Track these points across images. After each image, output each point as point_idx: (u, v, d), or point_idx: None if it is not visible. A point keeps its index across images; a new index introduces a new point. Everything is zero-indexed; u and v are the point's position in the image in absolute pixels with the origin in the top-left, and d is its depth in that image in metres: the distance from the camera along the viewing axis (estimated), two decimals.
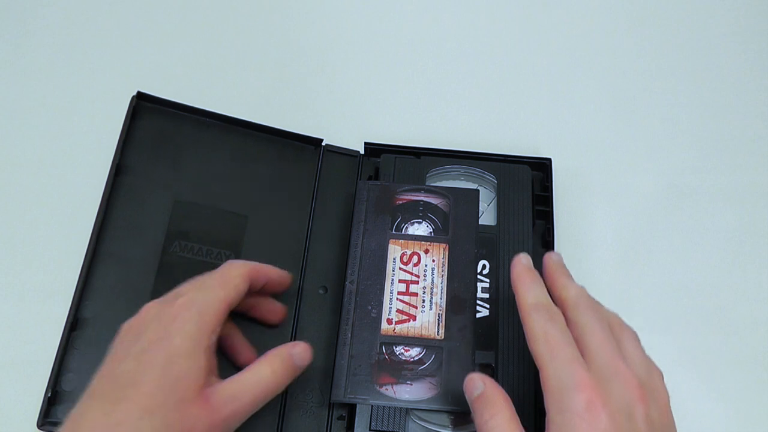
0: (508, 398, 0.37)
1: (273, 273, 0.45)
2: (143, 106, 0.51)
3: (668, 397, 0.37)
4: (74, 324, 0.45)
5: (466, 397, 0.39)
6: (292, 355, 0.41)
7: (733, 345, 0.50)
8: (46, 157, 0.54)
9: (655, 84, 0.59)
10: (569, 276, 0.40)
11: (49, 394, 0.43)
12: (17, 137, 0.54)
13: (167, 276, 0.47)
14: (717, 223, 0.54)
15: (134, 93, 0.51)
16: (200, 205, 0.50)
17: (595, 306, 0.39)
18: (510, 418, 0.36)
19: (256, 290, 0.44)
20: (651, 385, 0.36)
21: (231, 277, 0.41)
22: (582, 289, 0.39)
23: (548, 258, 0.41)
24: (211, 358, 0.38)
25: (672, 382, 0.44)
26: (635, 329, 0.49)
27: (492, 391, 0.37)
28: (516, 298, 0.39)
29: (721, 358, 0.49)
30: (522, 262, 0.40)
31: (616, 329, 0.38)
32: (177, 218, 0.49)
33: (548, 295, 0.39)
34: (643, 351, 0.38)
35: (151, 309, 0.40)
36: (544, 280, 0.40)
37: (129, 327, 0.39)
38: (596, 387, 0.33)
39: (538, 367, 0.36)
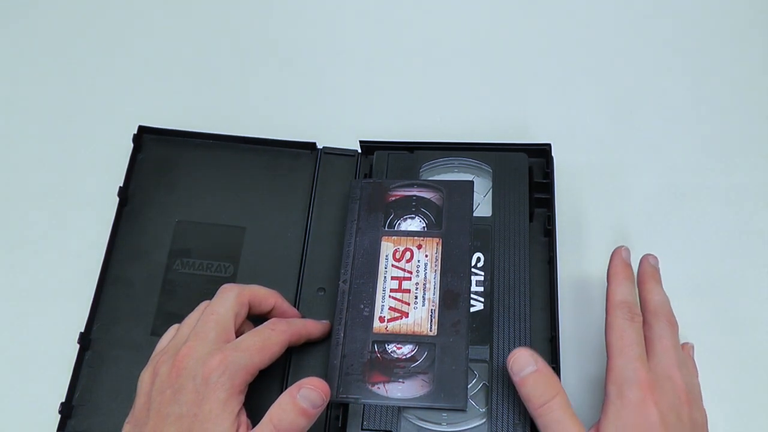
0: None
1: (313, 329, 0.46)
2: (144, 138, 0.54)
3: (706, 416, 0.42)
4: (86, 344, 0.48)
5: (513, 373, 0.40)
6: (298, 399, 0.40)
7: (733, 345, 0.49)
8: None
9: (655, 83, 0.58)
10: (659, 282, 0.45)
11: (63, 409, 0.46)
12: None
13: (170, 293, 0.50)
14: (717, 223, 0.52)
15: (129, 121, 0.54)
16: (200, 222, 0.52)
17: (671, 318, 0.43)
18: (567, 399, 0.40)
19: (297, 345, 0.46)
20: (695, 394, 0.41)
21: (271, 345, 0.42)
22: (666, 298, 0.44)
23: (645, 261, 0.46)
24: (239, 414, 0.39)
25: None
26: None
27: (548, 369, 0.40)
28: (607, 290, 0.43)
29: (721, 358, 0.48)
30: (622, 255, 0.45)
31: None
32: (179, 237, 0.51)
33: (636, 296, 0.43)
34: (691, 372, 0.43)
35: (187, 357, 0.40)
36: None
37: (168, 376, 0.40)
38: (652, 386, 0.39)
39: (607, 355, 0.41)
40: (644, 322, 0.43)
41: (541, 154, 0.50)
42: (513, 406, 0.42)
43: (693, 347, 0.46)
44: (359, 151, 0.53)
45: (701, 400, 0.42)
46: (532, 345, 0.43)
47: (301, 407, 0.39)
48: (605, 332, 0.42)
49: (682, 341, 0.46)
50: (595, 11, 0.61)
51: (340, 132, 0.55)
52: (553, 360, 0.44)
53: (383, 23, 0.62)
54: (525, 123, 0.57)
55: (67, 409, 0.46)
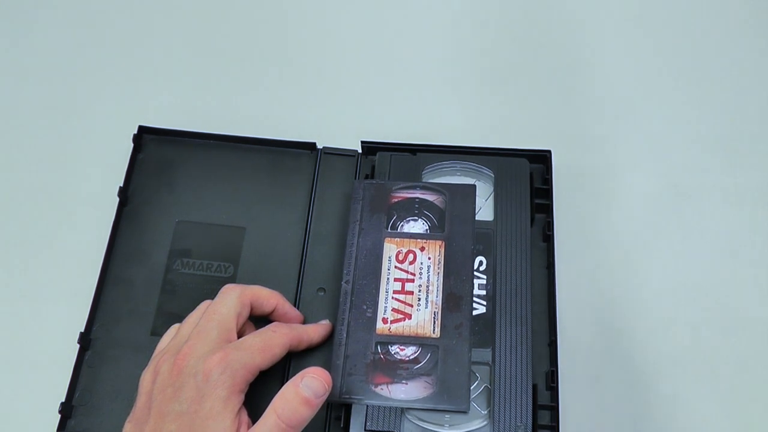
0: None
1: (315, 335, 0.46)
2: (144, 138, 0.54)
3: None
4: (86, 344, 0.48)
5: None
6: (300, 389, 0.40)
7: (733, 345, 0.49)
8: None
9: (655, 83, 0.58)
10: None
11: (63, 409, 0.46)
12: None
13: (170, 293, 0.50)
14: (717, 223, 0.53)
15: (129, 121, 0.54)
16: (200, 222, 0.52)
17: None
18: None
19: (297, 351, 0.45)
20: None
21: (272, 346, 0.42)
22: None
23: None
24: (239, 412, 0.39)
25: (671, 382, 0.43)
26: (634, 330, 0.49)
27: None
28: None
29: (721, 358, 0.48)
30: None
31: None
32: (179, 237, 0.51)
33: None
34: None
35: (188, 356, 0.40)
36: None
37: (170, 375, 0.40)
38: None
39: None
40: None
41: (541, 160, 0.51)
42: (514, 408, 0.42)
43: None
44: (359, 151, 0.53)
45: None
46: (532, 349, 0.44)
47: (304, 397, 0.39)
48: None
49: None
50: (596, 12, 0.62)
51: (341, 132, 0.55)
52: (552, 363, 0.45)
53: (383, 25, 0.62)
54: (525, 122, 0.57)
55: (67, 409, 0.46)
